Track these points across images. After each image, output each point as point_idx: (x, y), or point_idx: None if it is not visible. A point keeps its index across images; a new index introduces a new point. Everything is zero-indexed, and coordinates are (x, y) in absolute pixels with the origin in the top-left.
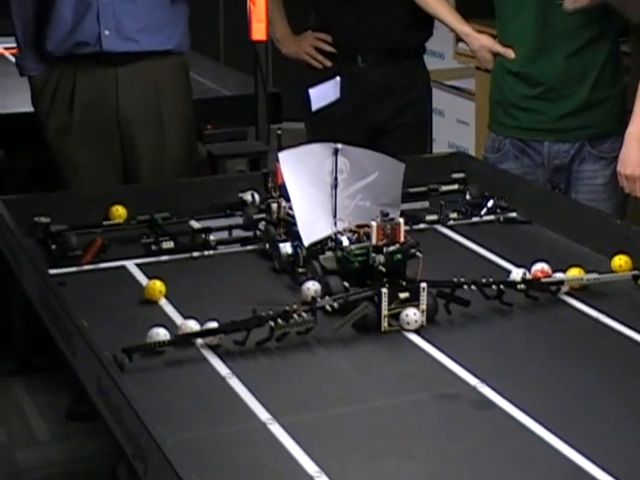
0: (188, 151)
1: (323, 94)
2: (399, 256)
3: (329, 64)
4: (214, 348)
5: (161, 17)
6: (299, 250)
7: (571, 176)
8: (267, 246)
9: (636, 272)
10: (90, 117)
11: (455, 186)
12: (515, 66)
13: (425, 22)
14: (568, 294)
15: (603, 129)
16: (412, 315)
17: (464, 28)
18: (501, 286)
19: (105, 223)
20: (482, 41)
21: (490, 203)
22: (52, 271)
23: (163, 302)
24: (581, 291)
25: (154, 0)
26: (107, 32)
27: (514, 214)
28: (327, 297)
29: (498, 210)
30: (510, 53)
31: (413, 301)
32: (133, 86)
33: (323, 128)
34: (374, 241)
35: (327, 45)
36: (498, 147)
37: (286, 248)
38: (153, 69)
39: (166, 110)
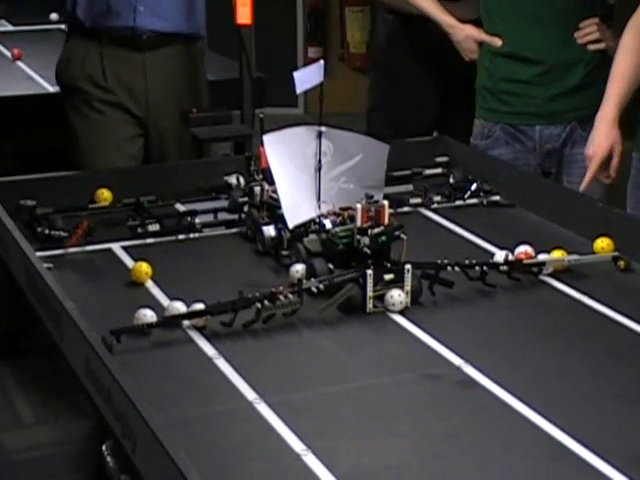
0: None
1: (306, 77)
2: (384, 238)
3: None
4: (201, 329)
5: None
6: (282, 233)
7: (563, 160)
8: (250, 229)
9: (616, 254)
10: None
11: (439, 170)
12: (508, 48)
13: None
14: (550, 276)
15: (594, 111)
16: (397, 296)
17: (448, 19)
18: (484, 267)
19: (91, 206)
20: (467, 31)
21: (474, 186)
22: (38, 254)
23: (149, 284)
24: (563, 273)
25: None
26: (142, 8)
27: (497, 197)
28: (313, 279)
29: (481, 193)
30: (497, 41)
31: (398, 283)
32: (159, 72)
33: None
34: (359, 223)
35: None
36: (488, 134)
37: (269, 231)
38: (178, 54)
39: (185, 99)
